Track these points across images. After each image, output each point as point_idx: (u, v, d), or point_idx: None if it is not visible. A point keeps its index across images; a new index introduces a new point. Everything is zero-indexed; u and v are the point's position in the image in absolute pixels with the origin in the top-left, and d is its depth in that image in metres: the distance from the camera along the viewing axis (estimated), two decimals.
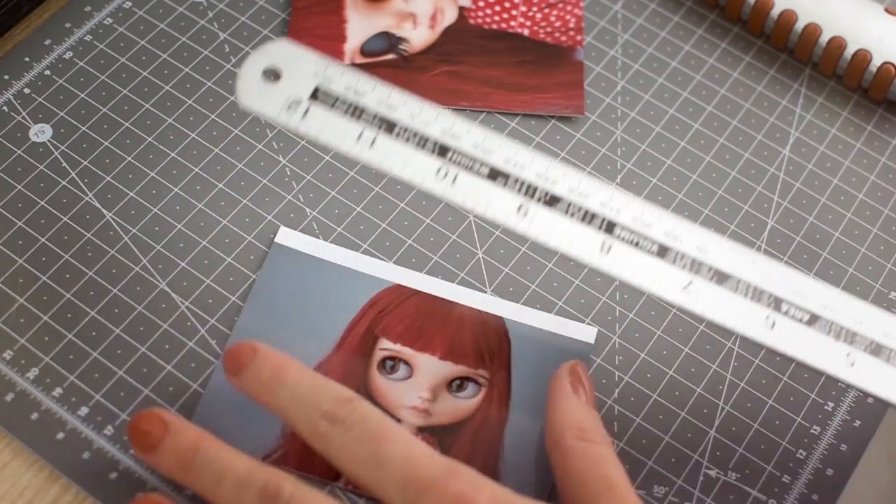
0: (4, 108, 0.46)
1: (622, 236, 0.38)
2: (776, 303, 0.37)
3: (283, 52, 0.39)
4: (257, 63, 0.39)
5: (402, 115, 0.38)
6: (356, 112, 0.38)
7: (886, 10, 0.48)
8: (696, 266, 0.38)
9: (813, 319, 0.37)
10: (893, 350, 0.37)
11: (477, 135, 0.38)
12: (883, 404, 0.42)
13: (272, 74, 0.38)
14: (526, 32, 0.50)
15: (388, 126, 0.38)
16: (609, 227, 0.38)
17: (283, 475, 0.34)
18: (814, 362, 0.37)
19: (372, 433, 0.34)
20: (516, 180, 0.38)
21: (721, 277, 0.38)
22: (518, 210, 0.37)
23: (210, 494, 0.34)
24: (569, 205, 0.38)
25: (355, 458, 0.33)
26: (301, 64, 0.39)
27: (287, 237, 0.43)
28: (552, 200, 0.38)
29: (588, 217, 0.38)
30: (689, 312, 0.37)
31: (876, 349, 0.37)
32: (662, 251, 0.37)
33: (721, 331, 0.43)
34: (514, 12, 0.50)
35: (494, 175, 0.37)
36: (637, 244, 0.38)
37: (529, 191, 0.38)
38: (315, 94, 0.38)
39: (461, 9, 0.50)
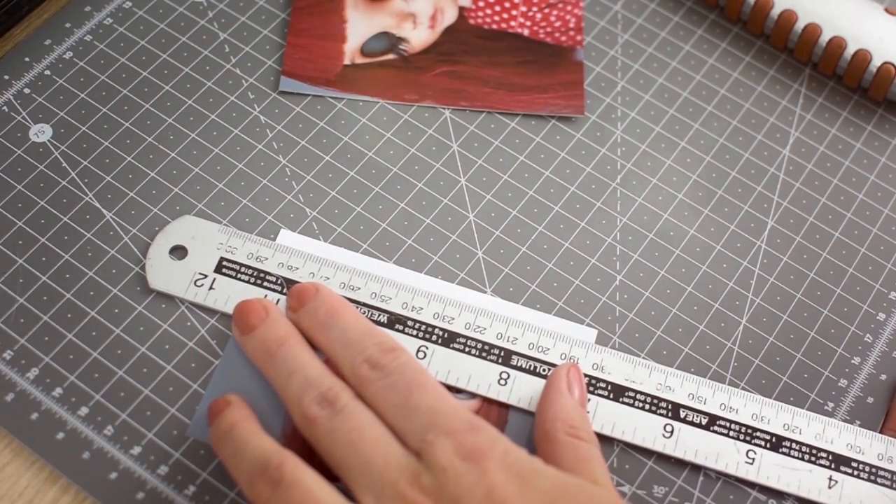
0: (4, 108, 0.46)
1: (520, 365, 0.40)
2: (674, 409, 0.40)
3: (188, 228, 0.43)
4: (164, 243, 0.42)
5: (303, 273, 0.42)
6: (259, 277, 0.42)
7: (886, 10, 0.48)
8: (593, 383, 0.40)
9: (712, 421, 0.40)
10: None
11: (374, 286, 0.41)
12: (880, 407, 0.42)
13: (179, 252, 0.42)
14: (526, 32, 0.50)
15: (290, 286, 0.41)
16: (506, 357, 0.41)
17: (346, 388, 0.36)
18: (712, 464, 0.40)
19: (407, 382, 0.36)
20: (415, 323, 0.41)
21: (618, 391, 0.40)
22: (416, 352, 0.40)
23: (280, 386, 0.37)
24: (466, 340, 0.41)
25: (388, 403, 0.35)
26: (205, 238, 0.42)
27: (287, 239, 0.43)
28: (450, 338, 0.41)
29: (485, 350, 0.41)
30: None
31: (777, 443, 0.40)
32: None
33: (721, 331, 0.43)
34: (514, 12, 0.50)
35: (393, 322, 0.41)
36: (534, 371, 0.40)
37: (427, 332, 0.41)
38: (220, 266, 0.42)
39: (461, 9, 0.50)
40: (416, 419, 0.35)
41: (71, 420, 0.39)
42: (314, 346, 0.39)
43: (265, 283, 0.42)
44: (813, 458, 0.39)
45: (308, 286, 0.40)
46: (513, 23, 0.50)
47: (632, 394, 0.40)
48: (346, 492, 0.34)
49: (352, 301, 0.41)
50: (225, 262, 0.42)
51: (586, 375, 0.40)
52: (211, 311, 0.42)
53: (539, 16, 0.50)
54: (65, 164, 0.45)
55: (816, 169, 0.47)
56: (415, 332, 0.41)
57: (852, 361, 0.43)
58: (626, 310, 0.43)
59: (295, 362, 0.37)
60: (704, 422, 0.40)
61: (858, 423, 0.41)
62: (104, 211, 0.44)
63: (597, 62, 0.49)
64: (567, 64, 0.49)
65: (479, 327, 0.41)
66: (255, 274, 0.42)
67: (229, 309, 0.41)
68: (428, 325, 0.41)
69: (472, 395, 0.40)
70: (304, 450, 0.38)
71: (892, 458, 0.40)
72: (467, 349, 0.41)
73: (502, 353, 0.41)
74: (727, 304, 0.44)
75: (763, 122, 0.48)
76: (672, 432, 0.40)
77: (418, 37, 0.49)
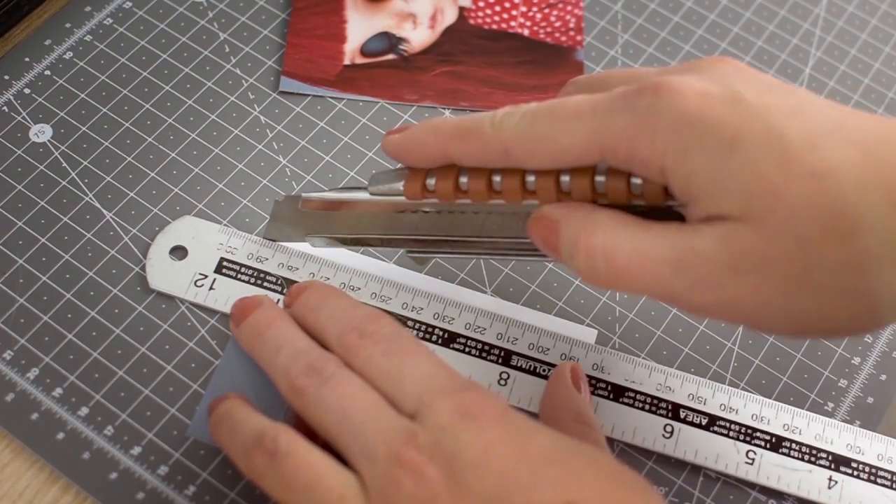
0: (4, 108, 0.46)
1: (520, 365, 0.40)
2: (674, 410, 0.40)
3: (188, 228, 0.43)
4: (164, 243, 0.42)
5: (303, 274, 0.42)
6: (260, 278, 0.42)
7: None
8: (593, 384, 0.40)
9: (712, 422, 0.40)
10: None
11: (374, 287, 0.42)
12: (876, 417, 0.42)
13: (179, 252, 0.42)
14: (526, 32, 0.50)
15: (290, 287, 0.41)
16: (506, 357, 0.41)
17: (333, 358, 0.36)
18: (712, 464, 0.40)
19: (399, 348, 0.35)
20: (415, 323, 0.41)
21: (618, 392, 0.40)
22: None
23: (268, 363, 0.37)
24: (466, 340, 0.41)
25: (380, 369, 0.35)
26: (205, 238, 0.42)
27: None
28: (450, 338, 0.41)
29: (486, 350, 0.41)
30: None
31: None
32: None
33: (721, 331, 0.43)
34: (514, 12, 0.50)
35: None
36: (534, 371, 0.40)
37: (427, 332, 0.41)
38: (220, 266, 0.42)
39: (461, 9, 0.50)
40: (412, 383, 0.34)
41: (71, 420, 0.39)
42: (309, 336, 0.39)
43: (265, 284, 0.42)
44: (813, 459, 0.39)
45: (304, 283, 0.40)
46: (513, 23, 0.50)
47: (632, 394, 0.40)
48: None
49: None
50: (225, 263, 0.42)
51: (586, 376, 0.40)
52: (211, 312, 0.42)
53: (539, 16, 0.50)
54: (65, 165, 0.45)
55: None
56: (415, 333, 0.41)
57: (852, 361, 0.43)
58: (626, 310, 0.43)
59: (283, 338, 0.37)
60: (704, 422, 0.40)
61: (858, 423, 0.41)
62: (104, 211, 0.44)
63: (597, 62, 0.49)
64: (567, 64, 0.49)
65: (479, 327, 0.41)
66: (255, 274, 0.42)
67: (229, 309, 0.41)
68: (428, 325, 0.41)
69: None
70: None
71: (891, 459, 0.40)
72: (467, 349, 0.41)
73: (502, 354, 0.41)
74: None
75: None
76: (672, 433, 0.40)
77: (418, 37, 0.49)
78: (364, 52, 0.49)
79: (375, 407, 0.34)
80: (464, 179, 0.34)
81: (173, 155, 0.45)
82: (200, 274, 0.42)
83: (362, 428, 0.33)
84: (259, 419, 0.35)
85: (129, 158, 0.45)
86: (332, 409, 0.34)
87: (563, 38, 0.50)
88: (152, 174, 0.45)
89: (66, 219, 0.44)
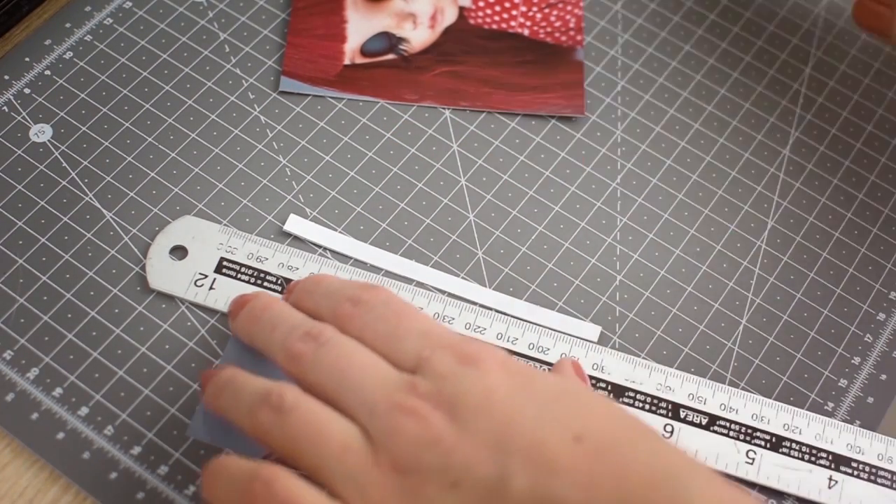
0: (4, 108, 0.46)
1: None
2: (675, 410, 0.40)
3: (188, 228, 0.43)
4: (164, 243, 0.42)
5: (303, 274, 0.42)
6: (260, 277, 0.42)
7: None
8: (593, 383, 0.40)
9: (712, 421, 0.40)
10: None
11: None
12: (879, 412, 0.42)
13: (179, 252, 0.42)
14: (526, 32, 0.50)
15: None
16: None
17: (330, 325, 0.35)
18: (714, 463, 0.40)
19: (394, 312, 0.35)
20: None
21: (618, 392, 0.40)
22: None
23: (265, 343, 0.36)
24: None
25: (376, 333, 0.35)
26: (205, 238, 0.43)
27: (296, 226, 0.44)
28: None
29: None
30: None
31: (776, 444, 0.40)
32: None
33: (721, 331, 0.43)
34: (514, 12, 0.50)
35: None
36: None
37: None
38: (220, 266, 0.42)
39: (461, 9, 0.50)
40: (409, 342, 0.34)
41: (71, 420, 0.39)
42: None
43: (265, 284, 0.42)
44: (813, 459, 0.39)
45: (301, 279, 0.40)
46: (513, 23, 0.50)
47: (632, 394, 0.40)
48: None
49: None
50: (225, 263, 0.42)
51: (587, 376, 0.40)
52: (211, 311, 0.42)
53: (539, 16, 0.50)
54: (65, 164, 0.45)
55: (816, 169, 0.47)
56: None
57: (852, 361, 0.43)
58: (626, 310, 0.43)
59: (279, 318, 0.37)
60: (704, 422, 0.40)
61: (858, 423, 0.41)
62: (104, 211, 0.44)
63: (597, 62, 0.49)
64: (567, 64, 0.49)
65: (479, 327, 0.41)
66: (255, 274, 0.42)
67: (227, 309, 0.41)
68: None
69: None
70: None
71: (892, 458, 0.40)
72: None
73: None
74: (727, 304, 0.44)
75: (763, 122, 0.48)
76: (672, 432, 0.40)
77: (418, 37, 0.49)
78: (364, 52, 0.49)
79: (374, 364, 0.34)
80: None
81: (173, 155, 0.45)
82: (200, 274, 0.42)
83: (361, 383, 0.33)
84: (263, 380, 0.35)
85: (129, 158, 0.45)
86: (330, 369, 0.34)
87: (563, 38, 0.50)
88: (152, 174, 0.45)
89: (66, 219, 0.44)
